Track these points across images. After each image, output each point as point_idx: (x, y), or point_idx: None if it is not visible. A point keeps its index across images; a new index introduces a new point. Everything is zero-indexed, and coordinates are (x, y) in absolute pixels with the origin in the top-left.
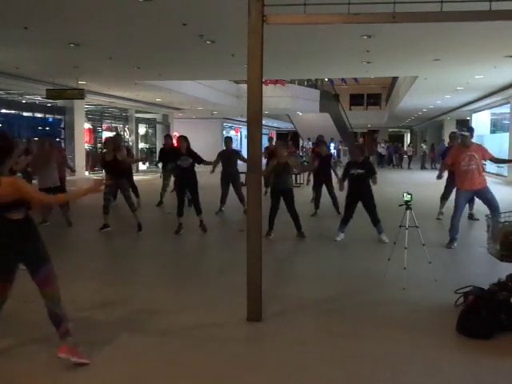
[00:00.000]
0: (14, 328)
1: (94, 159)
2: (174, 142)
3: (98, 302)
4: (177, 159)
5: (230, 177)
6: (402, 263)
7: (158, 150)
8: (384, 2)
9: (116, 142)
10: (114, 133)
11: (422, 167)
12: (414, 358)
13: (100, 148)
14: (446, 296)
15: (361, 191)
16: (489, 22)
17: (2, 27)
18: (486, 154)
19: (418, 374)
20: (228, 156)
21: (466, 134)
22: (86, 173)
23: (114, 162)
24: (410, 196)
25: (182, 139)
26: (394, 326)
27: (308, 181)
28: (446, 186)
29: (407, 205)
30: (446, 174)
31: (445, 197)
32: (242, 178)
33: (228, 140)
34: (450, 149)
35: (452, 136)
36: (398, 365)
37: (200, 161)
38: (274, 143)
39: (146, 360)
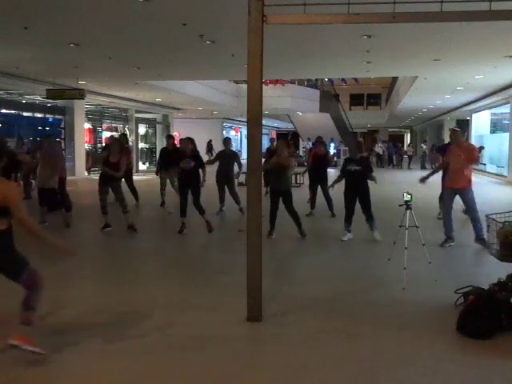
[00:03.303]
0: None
1: (94, 159)
2: (176, 142)
3: (98, 301)
4: (180, 161)
5: (224, 178)
6: (402, 263)
7: (158, 151)
8: (384, 2)
9: (122, 143)
10: (119, 133)
11: (422, 167)
12: (414, 358)
13: (101, 148)
14: (446, 296)
15: (358, 187)
16: (489, 22)
17: (2, 27)
18: (470, 158)
19: (418, 374)
20: (226, 157)
21: (458, 130)
22: (86, 173)
23: (117, 164)
24: (410, 196)
25: (188, 141)
26: (394, 325)
27: (304, 173)
28: (442, 187)
29: (407, 205)
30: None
31: (442, 198)
32: (242, 177)
33: (227, 141)
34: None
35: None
36: (398, 365)
37: (202, 166)
38: (274, 143)
39: (145, 360)
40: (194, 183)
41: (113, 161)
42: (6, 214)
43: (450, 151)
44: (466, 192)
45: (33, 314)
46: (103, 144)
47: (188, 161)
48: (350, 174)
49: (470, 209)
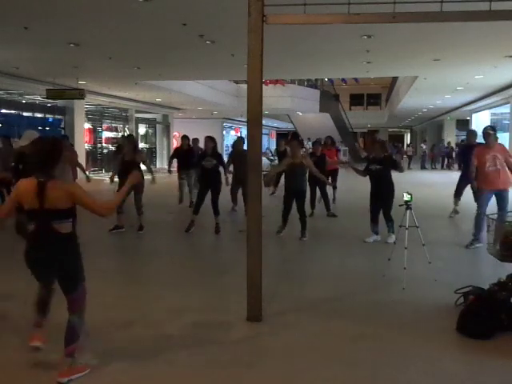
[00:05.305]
0: (14, 328)
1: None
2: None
3: (98, 301)
4: (201, 160)
5: (241, 180)
6: (402, 263)
7: (157, 151)
8: (384, 2)
9: (135, 141)
10: (122, 133)
11: (422, 167)
12: (414, 358)
13: (114, 147)
14: (445, 296)
15: (381, 188)
16: (489, 22)
17: (2, 27)
18: (507, 156)
19: (418, 373)
20: (240, 159)
21: (491, 132)
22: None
23: (133, 163)
24: (410, 196)
25: (209, 140)
26: (394, 325)
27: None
28: (458, 183)
29: (407, 205)
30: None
31: (457, 194)
32: None
33: (240, 141)
34: (472, 148)
35: (471, 134)
36: (398, 365)
37: (223, 164)
38: (284, 143)
39: (145, 360)
40: (215, 182)
41: (127, 159)
42: (70, 215)
43: (482, 153)
44: (507, 192)
45: (77, 345)
46: (115, 143)
47: (210, 159)
48: (372, 173)
49: (506, 210)
